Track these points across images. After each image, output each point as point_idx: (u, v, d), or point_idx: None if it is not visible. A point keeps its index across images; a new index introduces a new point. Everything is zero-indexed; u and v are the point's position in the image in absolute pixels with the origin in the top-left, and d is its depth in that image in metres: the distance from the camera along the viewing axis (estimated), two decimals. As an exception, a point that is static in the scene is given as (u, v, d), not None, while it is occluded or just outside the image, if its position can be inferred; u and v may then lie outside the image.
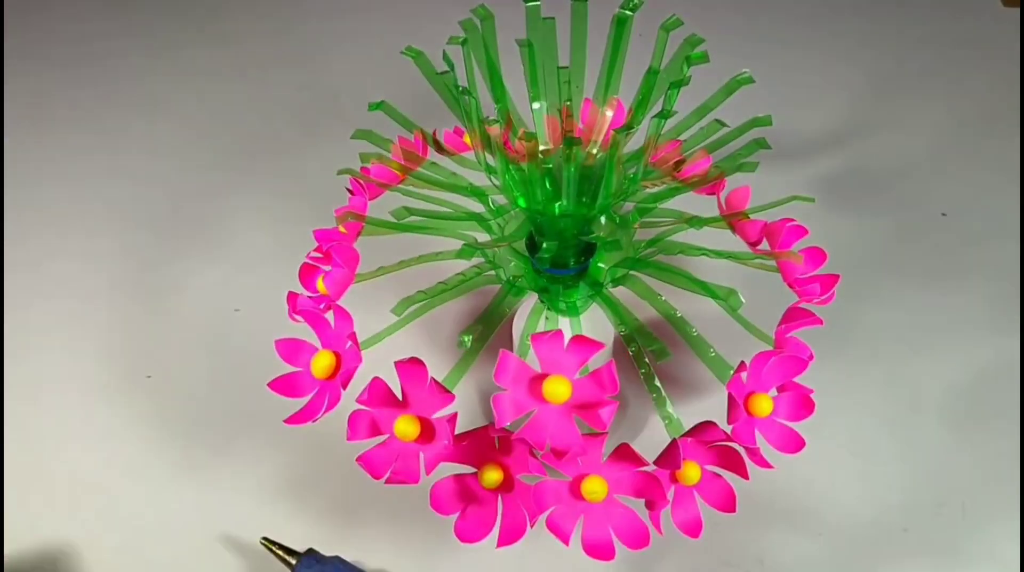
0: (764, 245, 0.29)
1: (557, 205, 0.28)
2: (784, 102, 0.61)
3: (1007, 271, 0.51)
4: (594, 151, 0.30)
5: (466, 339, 0.29)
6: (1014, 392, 0.45)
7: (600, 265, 0.31)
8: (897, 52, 0.68)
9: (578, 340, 0.25)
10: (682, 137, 0.32)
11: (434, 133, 0.33)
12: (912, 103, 0.63)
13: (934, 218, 0.55)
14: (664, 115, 0.26)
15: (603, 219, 0.31)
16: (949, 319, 0.49)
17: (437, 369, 0.29)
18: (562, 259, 0.30)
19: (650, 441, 0.40)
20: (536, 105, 0.29)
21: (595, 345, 0.25)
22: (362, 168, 0.32)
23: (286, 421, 0.28)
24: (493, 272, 0.31)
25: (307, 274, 0.31)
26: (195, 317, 0.50)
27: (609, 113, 0.30)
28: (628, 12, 0.27)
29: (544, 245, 0.29)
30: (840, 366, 0.45)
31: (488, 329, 0.30)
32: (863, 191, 0.56)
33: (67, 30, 0.75)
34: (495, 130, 0.26)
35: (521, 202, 0.29)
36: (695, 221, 0.29)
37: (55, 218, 0.57)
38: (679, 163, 0.30)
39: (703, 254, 0.29)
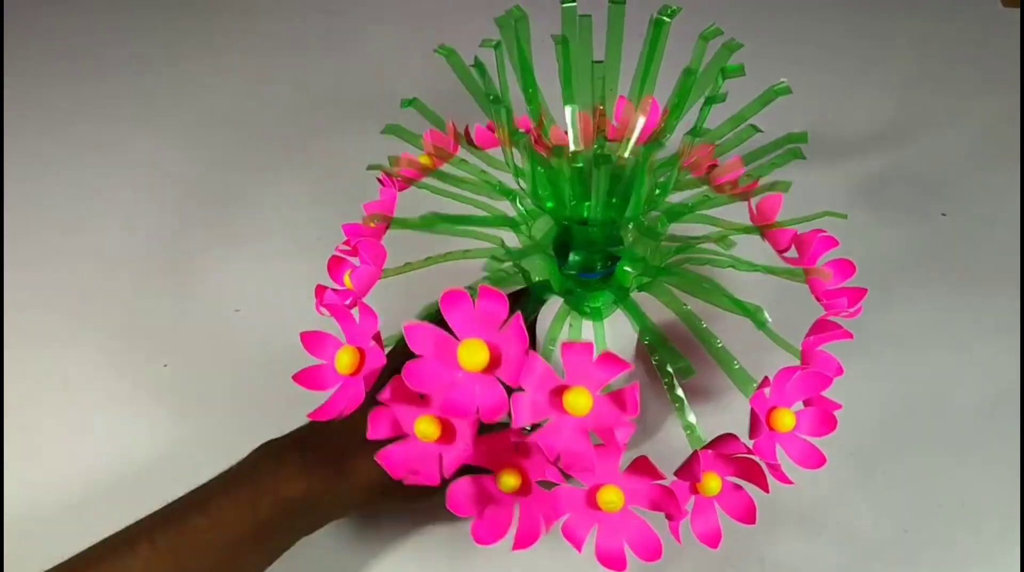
0: (793, 252, 0.29)
1: (586, 205, 0.27)
2: (783, 101, 0.61)
3: (1007, 271, 0.51)
4: (625, 154, 0.29)
5: None
6: (1014, 392, 0.45)
7: (626, 269, 0.31)
8: (897, 52, 0.67)
9: (607, 357, 0.25)
10: (716, 143, 0.31)
11: (466, 130, 0.32)
12: (911, 103, 0.63)
13: (934, 218, 0.55)
14: (696, 133, 0.26)
15: (631, 225, 0.30)
16: (948, 319, 0.49)
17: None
18: (589, 263, 0.30)
19: (666, 446, 0.40)
20: (568, 107, 0.29)
21: (624, 365, 0.25)
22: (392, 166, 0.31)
23: (310, 415, 0.27)
24: (519, 274, 0.30)
25: (335, 267, 0.30)
26: (203, 315, 0.49)
27: (642, 114, 0.29)
28: (666, 19, 0.27)
29: (571, 256, 0.28)
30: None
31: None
32: (861, 190, 0.56)
33: (82, 21, 0.72)
34: (528, 131, 0.25)
35: (549, 205, 0.28)
36: (724, 241, 0.28)
37: (63, 213, 0.56)
38: (712, 167, 0.29)
39: (732, 266, 0.29)
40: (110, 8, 0.74)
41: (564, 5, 0.26)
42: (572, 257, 0.29)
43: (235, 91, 0.65)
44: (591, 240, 0.28)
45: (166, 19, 0.73)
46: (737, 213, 0.32)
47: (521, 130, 0.25)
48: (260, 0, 0.75)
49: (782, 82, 0.28)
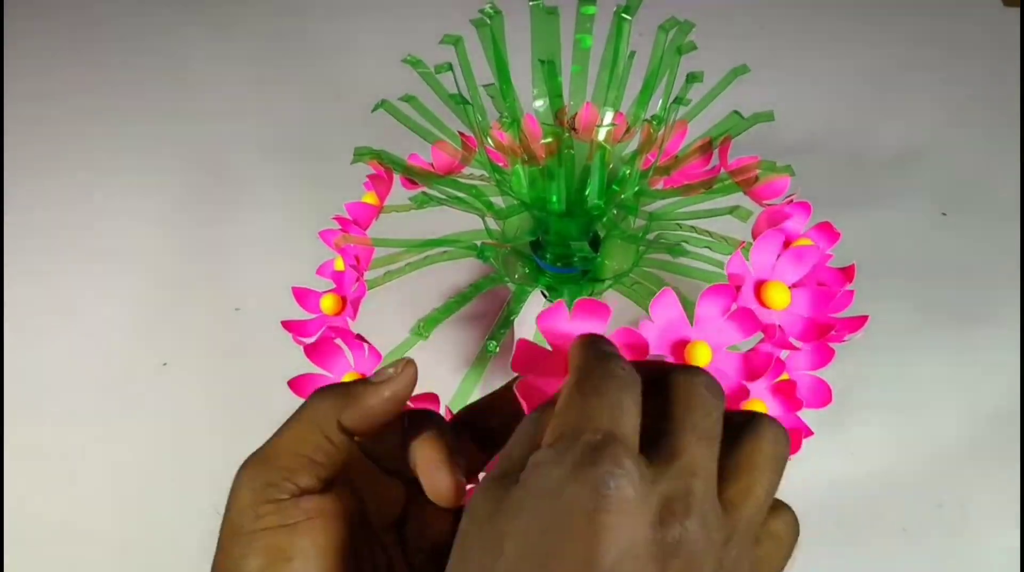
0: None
1: (555, 198, 0.27)
2: (785, 101, 0.61)
3: (1007, 270, 0.50)
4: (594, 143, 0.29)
5: (492, 345, 0.29)
6: (1014, 392, 0.44)
7: (606, 261, 0.30)
8: (897, 51, 0.67)
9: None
10: (690, 130, 0.31)
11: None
12: (912, 102, 0.62)
13: (934, 218, 0.54)
14: (680, 101, 0.26)
15: (606, 222, 0.30)
16: (949, 318, 0.48)
17: (444, 369, 0.28)
18: (565, 257, 0.29)
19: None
20: (538, 103, 0.29)
21: None
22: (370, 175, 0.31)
23: None
24: (503, 278, 0.30)
25: (306, 298, 0.31)
26: (203, 315, 0.49)
27: (609, 114, 0.29)
28: (626, 16, 0.27)
29: (547, 254, 0.28)
30: (839, 366, 0.44)
31: (504, 332, 0.30)
32: (863, 190, 0.56)
33: (74, 31, 0.73)
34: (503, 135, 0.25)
35: (524, 200, 0.28)
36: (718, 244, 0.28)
37: (64, 214, 0.56)
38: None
39: (708, 246, 0.29)
40: (116, 11, 0.75)
41: (532, 3, 0.26)
42: (548, 257, 0.29)
43: (235, 93, 0.66)
44: (567, 234, 0.28)
45: (176, 22, 0.74)
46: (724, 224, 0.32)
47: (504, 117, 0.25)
48: (268, 5, 0.76)
49: (743, 65, 0.28)
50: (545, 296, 0.32)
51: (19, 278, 0.52)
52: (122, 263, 0.53)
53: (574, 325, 0.22)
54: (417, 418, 0.21)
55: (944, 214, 0.54)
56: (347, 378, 0.28)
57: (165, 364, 0.47)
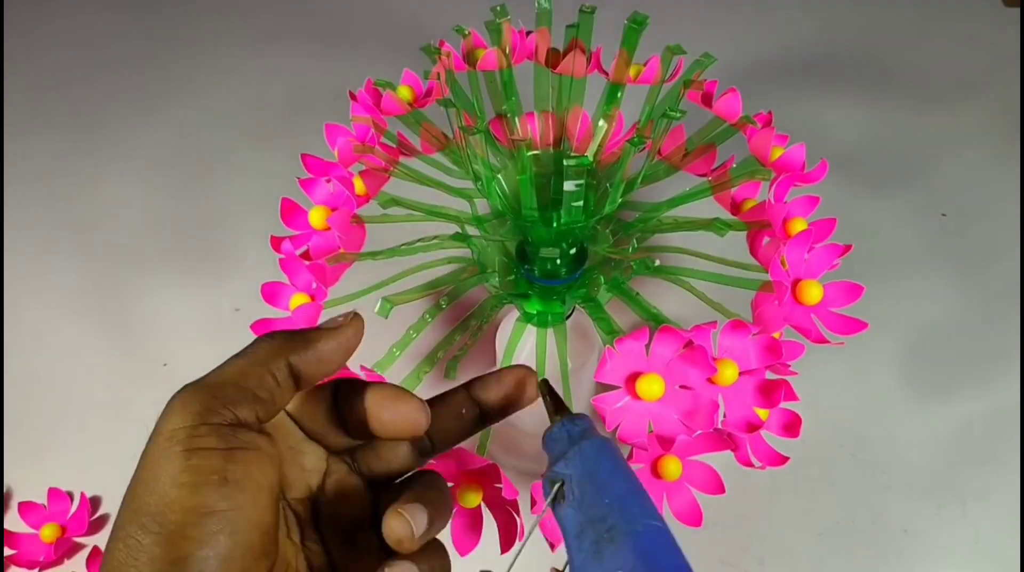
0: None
1: (554, 211, 0.27)
2: (781, 100, 0.60)
3: (1007, 271, 0.50)
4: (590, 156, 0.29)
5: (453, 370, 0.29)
6: (1014, 392, 0.44)
7: (594, 274, 0.30)
8: (897, 51, 0.66)
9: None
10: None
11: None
12: (912, 102, 0.62)
13: (934, 218, 0.54)
14: (667, 115, 0.26)
15: (600, 231, 0.30)
16: (949, 319, 0.48)
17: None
18: (554, 270, 0.29)
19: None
20: (536, 112, 0.29)
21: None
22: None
23: None
24: (484, 283, 0.30)
25: (274, 293, 0.29)
26: (203, 315, 0.49)
27: (603, 124, 0.29)
28: (635, 25, 0.27)
29: (536, 267, 0.28)
30: (840, 366, 0.45)
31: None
32: (861, 191, 0.56)
33: (73, 23, 0.73)
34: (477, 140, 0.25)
35: (510, 208, 0.28)
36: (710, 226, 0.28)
37: (63, 213, 0.56)
38: (685, 156, 0.29)
39: (697, 276, 0.29)
40: (111, 9, 0.75)
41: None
42: (536, 270, 0.28)
43: (234, 90, 0.65)
44: (554, 244, 0.28)
45: (168, 20, 0.73)
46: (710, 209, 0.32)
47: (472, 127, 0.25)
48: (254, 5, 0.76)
49: (677, 44, 0.28)
50: (520, 310, 0.31)
51: (19, 277, 0.52)
52: (122, 262, 0.52)
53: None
54: (350, 382, 0.21)
55: (944, 214, 0.54)
56: None
57: (165, 364, 0.46)
